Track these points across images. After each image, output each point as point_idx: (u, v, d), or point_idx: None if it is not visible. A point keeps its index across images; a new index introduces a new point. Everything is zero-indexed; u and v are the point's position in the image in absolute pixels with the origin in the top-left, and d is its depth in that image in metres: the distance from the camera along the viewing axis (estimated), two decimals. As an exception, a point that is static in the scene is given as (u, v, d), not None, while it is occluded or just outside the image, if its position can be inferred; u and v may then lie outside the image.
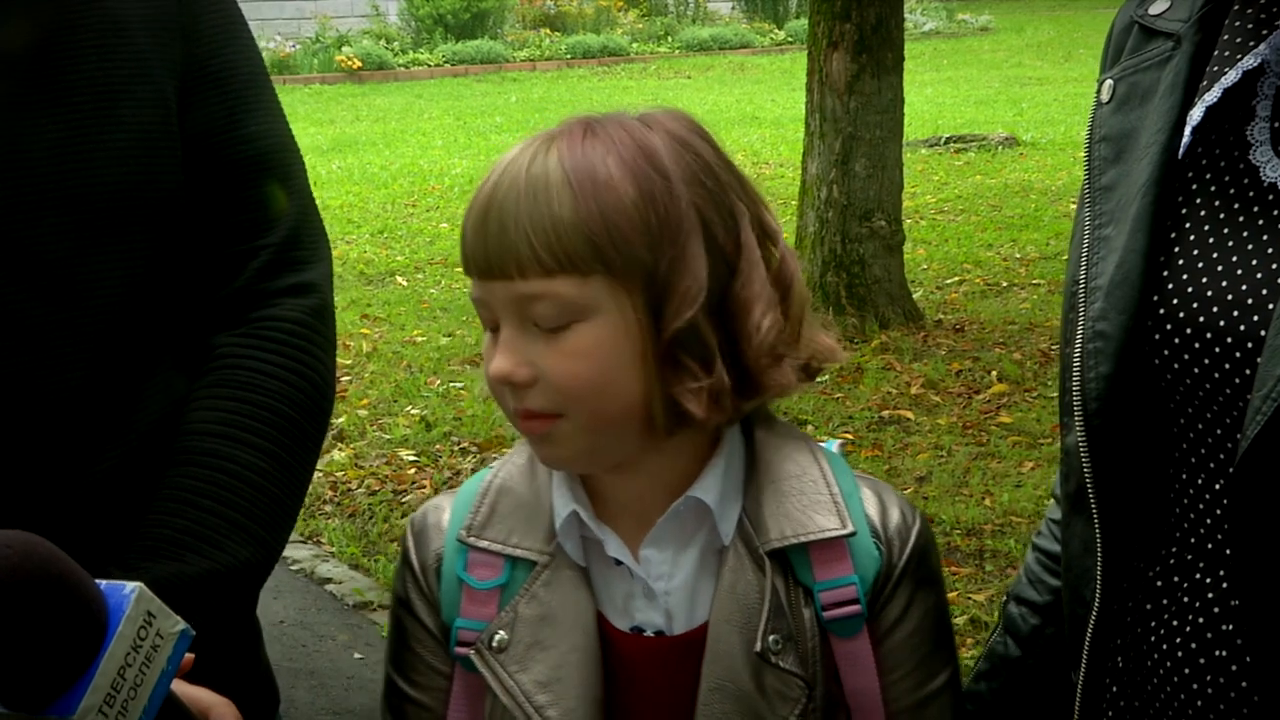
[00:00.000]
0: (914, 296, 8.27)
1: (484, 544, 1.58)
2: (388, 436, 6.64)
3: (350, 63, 21.15)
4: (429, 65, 22.18)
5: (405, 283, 9.52)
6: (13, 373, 1.62)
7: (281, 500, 1.71)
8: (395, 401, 7.09)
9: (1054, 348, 7.46)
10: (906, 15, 9.01)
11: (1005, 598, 1.77)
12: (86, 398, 1.66)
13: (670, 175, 1.49)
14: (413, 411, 6.94)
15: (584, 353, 1.46)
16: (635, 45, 23.99)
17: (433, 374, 7.50)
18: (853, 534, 1.52)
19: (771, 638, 1.51)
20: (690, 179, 1.50)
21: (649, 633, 1.55)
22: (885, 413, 6.70)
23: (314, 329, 1.77)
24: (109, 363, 1.67)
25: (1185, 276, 1.41)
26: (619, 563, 1.55)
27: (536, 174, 1.46)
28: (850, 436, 6.36)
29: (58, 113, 1.65)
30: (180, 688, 1.50)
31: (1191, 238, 1.42)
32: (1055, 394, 6.63)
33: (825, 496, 1.54)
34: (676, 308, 1.47)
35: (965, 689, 1.74)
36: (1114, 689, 1.51)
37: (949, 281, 9.13)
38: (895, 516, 1.56)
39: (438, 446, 6.49)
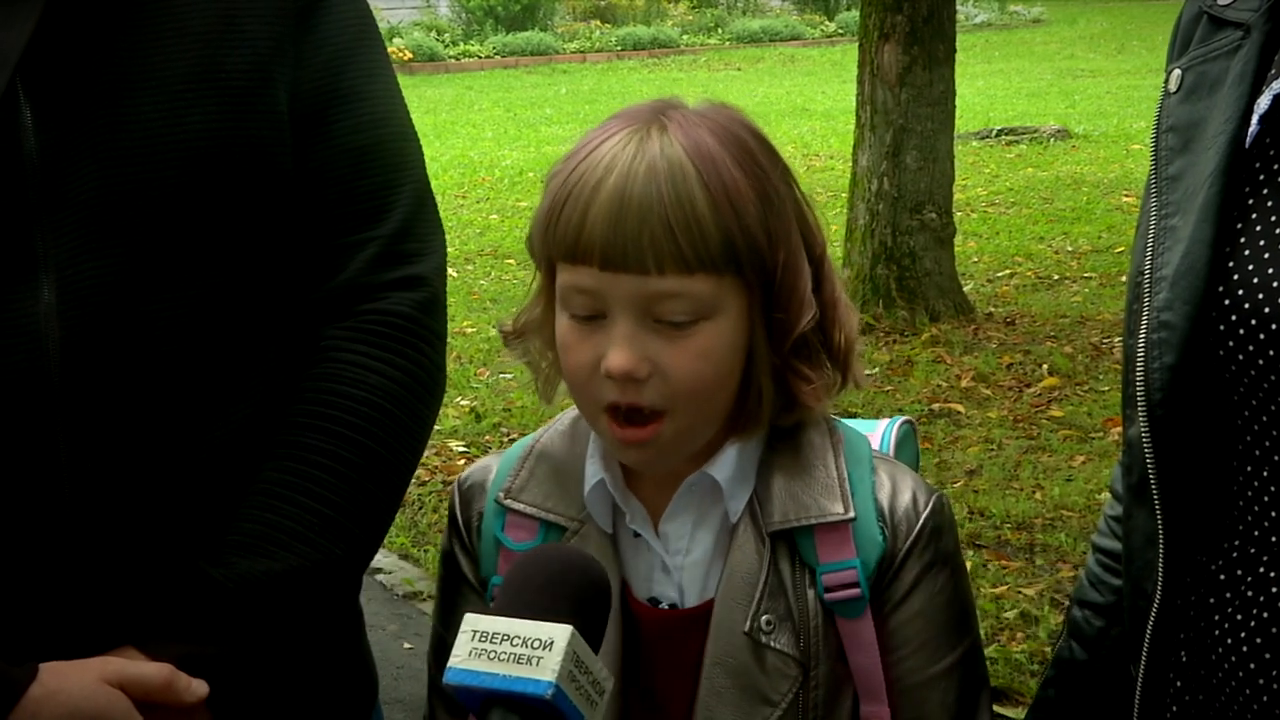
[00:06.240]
0: (965, 289, 8.22)
1: (520, 506, 1.62)
2: (437, 427, 6.63)
3: (401, 54, 21.20)
4: (479, 57, 22.23)
5: (455, 274, 9.53)
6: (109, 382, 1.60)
7: (376, 495, 1.69)
8: (445, 392, 7.10)
9: (1105, 341, 7.41)
10: (958, 7, 8.97)
11: (1068, 603, 1.76)
12: (176, 402, 1.64)
13: (770, 174, 1.51)
14: (462, 403, 6.95)
15: (708, 352, 1.48)
16: (685, 37, 23.98)
17: (482, 365, 7.52)
18: (853, 519, 1.54)
19: (764, 617, 1.53)
20: (781, 178, 1.52)
21: (664, 605, 1.58)
22: (935, 406, 6.67)
23: (421, 323, 1.74)
24: (193, 359, 1.65)
25: (1251, 267, 1.40)
26: (638, 534, 1.58)
27: (674, 169, 1.45)
28: (901, 429, 6.32)
29: (157, 99, 1.63)
30: (132, 667, 1.54)
31: (1258, 228, 1.41)
32: (1106, 388, 6.62)
33: (832, 481, 1.56)
34: (797, 311, 1.50)
35: (1035, 697, 1.75)
36: (1177, 683, 1.50)
37: (1000, 274, 9.07)
38: (905, 501, 1.57)
39: (487, 438, 6.50)
